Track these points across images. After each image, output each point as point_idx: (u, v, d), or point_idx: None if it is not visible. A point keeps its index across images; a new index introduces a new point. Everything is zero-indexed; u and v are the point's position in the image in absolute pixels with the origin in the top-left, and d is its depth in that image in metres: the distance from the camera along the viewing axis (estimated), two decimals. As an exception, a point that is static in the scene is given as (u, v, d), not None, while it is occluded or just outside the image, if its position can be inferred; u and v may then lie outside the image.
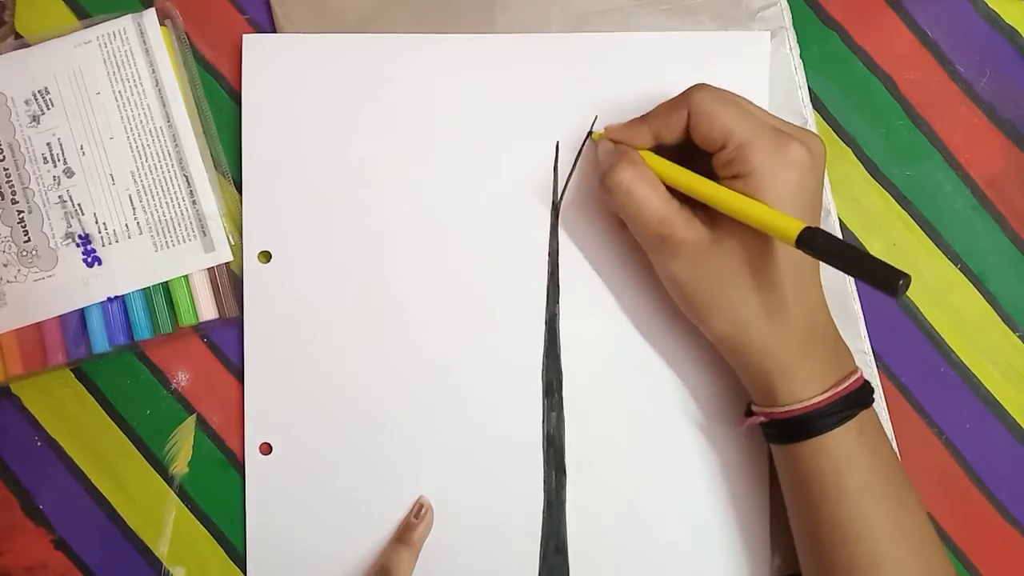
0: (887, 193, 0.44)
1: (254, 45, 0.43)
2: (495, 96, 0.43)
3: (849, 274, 0.32)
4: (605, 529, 0.42)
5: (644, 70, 0.42)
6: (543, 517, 0.42)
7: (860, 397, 0.37)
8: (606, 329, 0.43)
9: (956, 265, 0.43)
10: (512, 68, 0.43)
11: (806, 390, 0.36)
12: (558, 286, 0.43)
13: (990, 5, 0.44)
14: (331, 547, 0.42)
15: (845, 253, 0.31)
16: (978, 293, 0.43)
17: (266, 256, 0.43)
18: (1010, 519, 0.43)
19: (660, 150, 0.38)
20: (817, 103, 0.44)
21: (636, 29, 0.43)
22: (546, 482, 0.42)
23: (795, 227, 0.32)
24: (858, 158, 0.44)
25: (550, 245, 0.43)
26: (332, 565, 0.42)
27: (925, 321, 0.43)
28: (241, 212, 0.43)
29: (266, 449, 0.43)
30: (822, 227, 0.33)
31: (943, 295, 0.43)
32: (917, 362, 0.43)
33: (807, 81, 0.43)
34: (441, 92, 0.43)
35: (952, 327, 0.43)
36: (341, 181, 0.43)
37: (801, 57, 0.43)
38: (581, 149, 0.42)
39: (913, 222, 0.43)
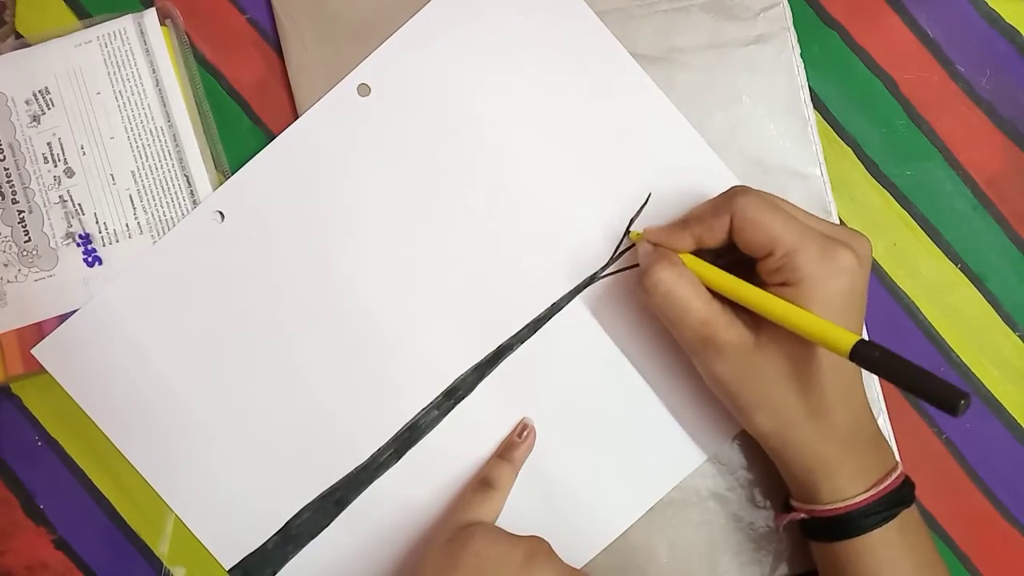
0: (887, 193, 0.44)
1: None
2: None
3: (904, 389, 0.31)
4: (394, 512, 0.42)
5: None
6: (349, 472, 0.42)
7: (903, 495, 0.36)
8: (541, 394, 0.42)
9: (956, 265, 0.43)
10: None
11: (849, 488, 0.36)
12: (535, 330, 0.42)
13: (990, 5, 0.44)
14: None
15: (901, 369, 0.30)
16: (978, 293, 0.43)
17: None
18: (1010, 519, 0.43)
19: (701, 251, 0.38)
20: (817, 103, 0.44)
21: (637, 30, 0.43)
22: (378, 452, 0.42)
23: (848, 340, 0.31)
24: (858, 158, 0.44)
25: (559, 299, 0.42)
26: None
27: (925, 321, 0.43)
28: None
29: None
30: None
31: (943, 295, 0.43)
32: (917, 362, 0.43)
33: (808, 81, 0.43)
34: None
35: (952, 327, 0.43)
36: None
37: (802, 57, 0.43)
38: (619, 246, 0.42)
39: (913, 222, 0.44)
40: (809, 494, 0.37)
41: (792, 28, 0.43)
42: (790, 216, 0.35)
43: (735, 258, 0.37)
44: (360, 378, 0.42)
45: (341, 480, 0.42)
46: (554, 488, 0.42)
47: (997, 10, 0.44)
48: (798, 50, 0.43)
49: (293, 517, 0.42)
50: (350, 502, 0.42)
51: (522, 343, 0.42)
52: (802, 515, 0.37)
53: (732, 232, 0.36)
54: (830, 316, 0.33)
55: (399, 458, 0.42)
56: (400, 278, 0.42)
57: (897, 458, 0.38)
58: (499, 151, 0.43)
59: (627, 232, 0.42)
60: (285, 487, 0.42)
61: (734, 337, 0.36)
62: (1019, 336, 0.43)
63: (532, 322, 0.42)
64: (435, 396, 0.42)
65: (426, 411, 0.42)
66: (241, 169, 0.43)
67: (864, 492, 0.36)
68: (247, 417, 0.42)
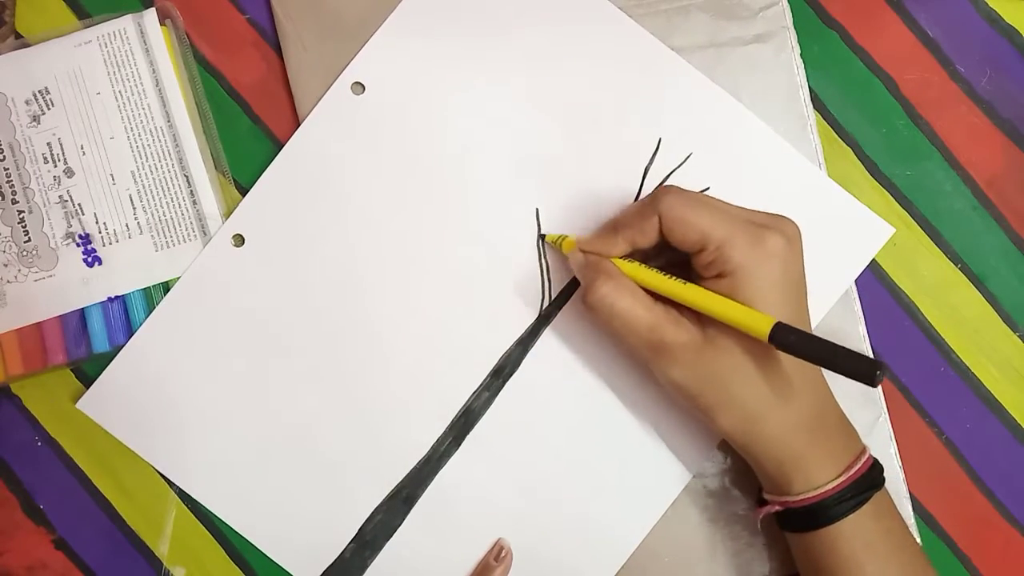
0: (887, 193, 0.44)
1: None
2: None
3: (823, 367, 0.31)
4: (463, 501, 0.42)
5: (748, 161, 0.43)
6: (412, 468, 0.42)
7: (873, 478, 0.36)
8: (590, 355, 0.42)
9: (956, 265, 0.43)
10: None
11: (820, 476, 0.36)
12: (569, 296, 0.42)
13: (990, 5, 0.44)
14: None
15: (819, 348, 0.31)
16: (978, 293, 0.43)
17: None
18: (1010, 519, 0.43)
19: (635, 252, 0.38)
20: (817, 103, 0.44)
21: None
22: (437, 443, 0.42)
23: (766, 324, 0.32)
24: (858, 158, 0.44)
25: None
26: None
27: (925, 321, 0.43)
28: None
29: None
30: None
31: (943, 295, 0.43)
32: (917, 362, 0.43)
33: (807, 81, 0.43)
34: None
35: (952, 327, 0.43)
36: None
37: (801, 57, 0.43)
38: (638, 195, 0.42)
39: (913, 222, 0.44)
40: (781, 486, 0.37)
41: (792, 28, 0.43)
42: (717, 209, 0.35)
43: (671, 257, 0.37)
44: (407, 374, 0.42)
45: (406, 477, 0.42)
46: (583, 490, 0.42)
47: (997, 10, 0.44)
48: (798, 50, 0.43)
49: (365, 522, 0.42)
50: (418, 498, 0.42)
51: (559, 310, 0.42)
52: (776, 507, 0.37)
53: (663, 231, 0.36)
54: (766, 301, 0.34)
55: (458, 445, 0.42)
56: (429, 267, 0.43)
57: (864, 444, 0.38)
58: (504, 126, 0.43)
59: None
60: (352, 494, 0.42)
61: (683, 337, 0.35)
62: (1019, 336, 0.43)
63: (566, 287, 0.42)
64: (483, 378, 0.42)
65: (477, 394, 0.42)
66: (253, 188, 0.43)
67: (835, 478, 0.36)
68: (301, 433, 0.42)
